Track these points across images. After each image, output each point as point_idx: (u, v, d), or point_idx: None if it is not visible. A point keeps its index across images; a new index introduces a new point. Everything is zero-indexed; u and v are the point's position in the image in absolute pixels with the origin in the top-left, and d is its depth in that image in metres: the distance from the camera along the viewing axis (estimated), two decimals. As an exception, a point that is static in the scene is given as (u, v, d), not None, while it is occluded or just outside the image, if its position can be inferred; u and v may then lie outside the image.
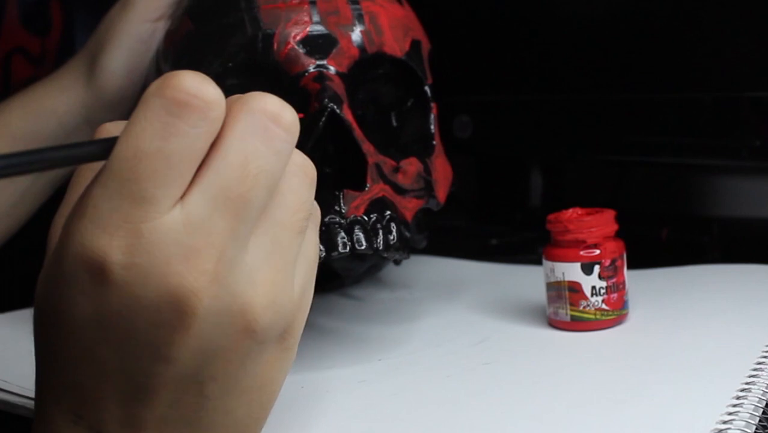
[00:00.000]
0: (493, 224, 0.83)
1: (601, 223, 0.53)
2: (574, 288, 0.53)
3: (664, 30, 0.71)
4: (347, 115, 0.50)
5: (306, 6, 0.53)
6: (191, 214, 0.32)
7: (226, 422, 0.35)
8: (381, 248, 0.49)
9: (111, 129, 0.35)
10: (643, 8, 0.72)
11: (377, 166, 0.51)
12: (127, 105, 0.61)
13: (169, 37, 0.57)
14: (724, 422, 0.39)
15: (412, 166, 0.54)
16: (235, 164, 0.32)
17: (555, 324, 0.54)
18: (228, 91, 0.49)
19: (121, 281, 0.31)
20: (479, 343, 0.53)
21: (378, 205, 0.50)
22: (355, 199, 0.49)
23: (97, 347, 0.32)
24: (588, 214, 0.54)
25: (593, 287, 0.52)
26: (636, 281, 0.56)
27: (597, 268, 0.52)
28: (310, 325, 0.52)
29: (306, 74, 0.51)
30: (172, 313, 0.32)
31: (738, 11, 0.68)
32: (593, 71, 0.75)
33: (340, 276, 0.63)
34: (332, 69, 0.52)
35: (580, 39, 0.76)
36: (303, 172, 0.35)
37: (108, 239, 0.31)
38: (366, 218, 0.49)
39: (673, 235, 0.73)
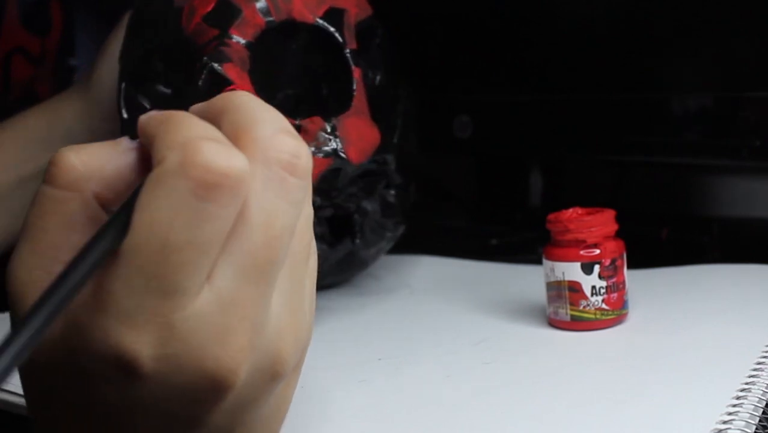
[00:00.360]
0: (493, 224, 0.83)
1: (601, 223, 0.53)
2: (574, 288, 0.53)
3: (664, 30, 0.71)
4: (230, 72, 0.52)
5: None
6: (222, 293, 0.29)
7: None
8: None
9: (69, 155, 0.31)
10: (643, 8, 0.72)
11: None
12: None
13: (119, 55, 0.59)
14: (724, 422, 0.39)
15: (314, 124, 0.54)
16: (259, 229, 0.30)
17: (555, 324, 0.54)
18: (154, 72, 0.50)
19: (154, 372, 0.29)
20: (479, 342, 0.53)
21: None
22: None
23: (126, 430, 0.31)
24: (588, 214, 0.54)
25: (593, 287, 0.52)
26: (636, 281, 0.56)
27: (597, 267, 0.52)
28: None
29: (208, 44, 0.53)
30: (210, 392, 0.30)
31: (738, 11, 0.68)
32: (593, 71, 0.75)
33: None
34: (234, 38, 0.53)
35: (580, 39, 0.76)
36: (307, 214, 0.33)
37: (137, 336, 0.29)
38: None
39: (673, 235, 0.73)
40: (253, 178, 0.29)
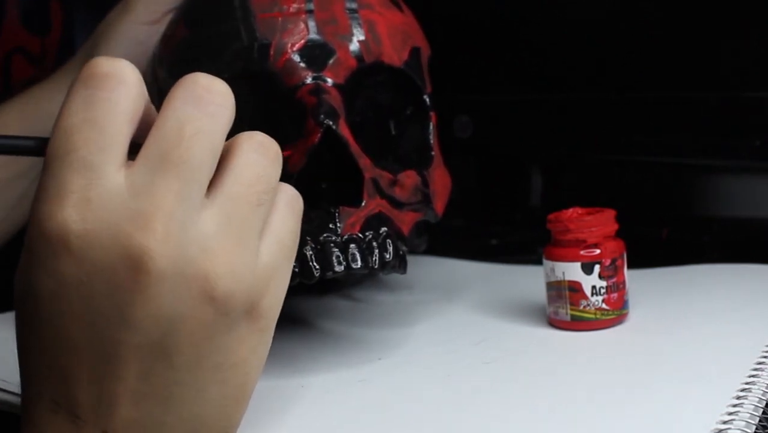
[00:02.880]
0: (493, 224, 0.83)
1: (601, 222, 0.53)
2: (575, 288, 0.53)
3: (664, 30, 0.71)
4: (343, 130, 0.50)
5: (303, 15, 0.52)
6: (135, 180, 0.33)
7: (200, 401, 0.35)
8: (377, 266, 0.49)
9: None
10: (643, 8, 0.72)
11: (374, 180, 0.51)
12: None
13: (165, 41, 0.57)
14: (724, 422, 0.39)
15: (409, 179, 0.53)
16: (172, 130, 0.34)
17: (555, 324, 0.54)
18: None
19: (77, 248, 0.33)
20: (479, 342, 0.53)
21: (374, 221, 0.50)
22: (351, 216, 0.49)
23: (62, 321, 0.33)
24: (588, 214, 0.54)
25: (593, 287, 0.52)
26: (636, 280, 0.56)
27: (597, 267, 0.52)
28: (309, 326, 0.52)
29: (303, 86, 0.51)
30: (127, 273, 0.33)
31: (738, 11, 0.68)
32: (593, 71, 0.75)
33: (339, 279, 0.63)
34: (329, 81, 0.51)
35: (580, 39, 0.76)
36: (262, 148, 0.36)
37: (59, 211, 0.33)
38: (362, 236, 0.49)
39: (673, 235, 0.73)
40: (171, 95, 0.35)
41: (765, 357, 0.46)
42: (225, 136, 0.36)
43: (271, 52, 0.51)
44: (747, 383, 0.43)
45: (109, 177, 0.33)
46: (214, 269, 0.34)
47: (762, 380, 0.43)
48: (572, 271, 0.53)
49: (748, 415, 0.40)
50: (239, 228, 0.35)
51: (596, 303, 0.53)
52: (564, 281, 0.53)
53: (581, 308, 0.53)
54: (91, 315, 0.33)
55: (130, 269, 0.33)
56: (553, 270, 0.53)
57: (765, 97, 0.66)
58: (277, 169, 0.37)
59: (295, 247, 0.38)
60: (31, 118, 0.62)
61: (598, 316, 0.53)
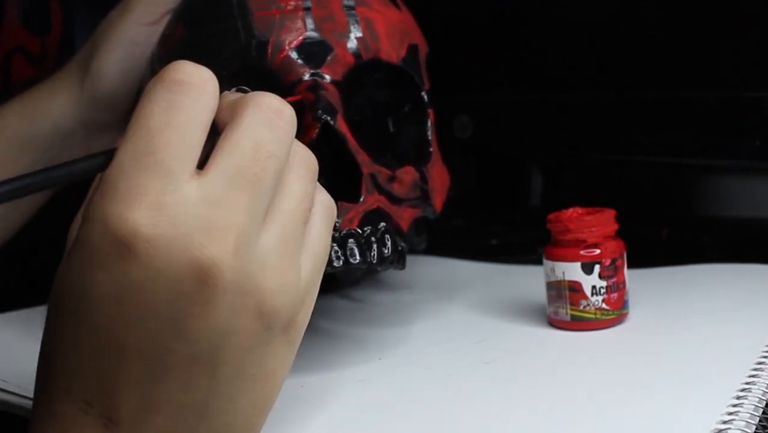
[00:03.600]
0: (493, 224, 0.83)
1: (601, 222, 0.53)
2: (575, 288, 0.53)
3: (664, 30, 0.71)
4: (341, 126, 0.50)
5: (300, 12, 0.52)
6: (210, 190, 0.33)
7: (232, 410, 0.35)
8: (375, 261, 0.49)
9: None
10: (643, 8, 0.72)
11: (372, 176, 0.51)
12: (121, 107, 0.61)
13: (163, 41, 0.57)
14: (724, 422, 0.39)
15: (408, 175, 0.53)
16: (248, 147, 0.34)
17: (555, 324, 0.54)
18: None
19: (145, 253, 0.32)
20: (479, 342, 0.53)
21: (373, 216, 0.50)
22: (350, 211, 0.49)
23: (115, 325, 0.33)
24: (588, 214, 0.54)
25: (593, 287, 0.52)
26: (636, 280, 0.56)
27: (597, 267, 0.52)
28: (309, 326, 0.52)
29: (300, 83, 0.51)
30: (194, 284, 0.33)
31: (738, 11, 0.68)
32: (593, 71, 0.75)
33: (338, 278, 0.63)
34: (327, 77, 0.51)
35: (580, 39, 0.76)
36: (306, 164, 0.37)
37: (131, 212, 0.32)
38: (360, 231, 0.49)
39: (673, 235, 0.73)
40: (245, 112, 0.35)
41: (765, 357, 0.46)
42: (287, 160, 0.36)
43: (269, 50, 0.51)
44: (747, 383, 0.43)
45: (184, 184, 0.33)
46: (268, 286, 0.34)
47: (762, 380, 0.43)
48: (572, 271, 0.53)
49: (748, 415, 0.40)
50: (290, 245, 0.36)
51: (596, 303, 0.53)
52: (564, 280, 0.53)
53: (581, 308, 0.53)
54: (147, 322, 0.33)
55: (198, 281, 0.33)
56: (553, 270, 0.53)
57: (765, 97, 0.66)
58: (315, 185, 0.38)
59: (326, 259, 0.39)
60: (30, 119, 0.62)
61: (598, 316, 0.53)
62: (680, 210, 0.78)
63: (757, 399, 0.41)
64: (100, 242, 0.32)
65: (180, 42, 0.55)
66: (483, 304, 0.60)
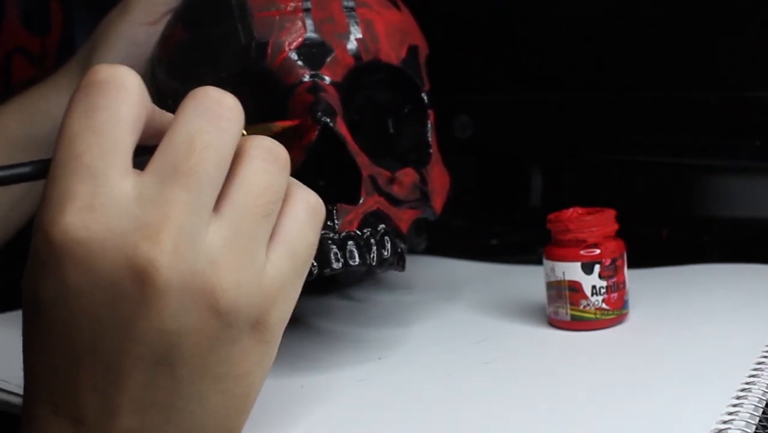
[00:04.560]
0: (493, 224, 0.83)
1: (601, 222, 0.53)
2: (575, 287, 0.53)
3: (664, 29, 0.71)
4: (341, 128, 0.50)
5: (300, 14, 0.52)
6: (143, 189, 0.33)
7: (201, 411, 0.35)
8: (374, 263, 0.49)
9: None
10: (643, 8, 0.72)
11: (371, 178, 0.51)
12: None
13: (163, 42, 0.57)
14: (724, 422, 0.39)
15: (407, 177, 0.53)
16: (182, 142, 0.34)
17: (555, 324, 0.54)
18: None
19: (80, 256, 0.32)
20: (479, 342, 0.53)
21: (372, 218, 0.50)
22: (349, 213, 0.49)
23: (65, 329, 0.33)
24: (588, 214, 0.54)
25: (593, 287, 0.52)
26: (636, 280, 0.56)
27: (597, 267, 0.52)
28: (309, 326, 0.52)
29: (300, 84, 0.51)
30: (132, 285, 0.32)
31: (738, 11, 0.68)
32: (593, 71, 0.75)
33: (338, 279, 0.63)
34: (327, 79, 0.51)
35: (580, 39, 0.76)
36: (271, 156, 0.36)
37: (62, 217, 0.32)
38: (359, 233, 0.49)
39: (673, 235, 0.73)
40: (181, 108, 0.35)
41: (765, 357, 0.46)
42: (234, 150, 0.35)
43: (269, 51, 0.51)
44: (747, 383, 0.43)
45: (114, 184, 0.33)
46: (220, 283, 0.34)
47: (762, 380, 0.43)
48: (572, 271, 0.53)
49: (748, 415, 0.40)
50: (246, 240, 0.35)
51: (596, 303, 0.53)
52: (564, 280, 0.53)
53: (581, 307, 0.53)
54: (94, 324, 0.33)
55: (135, 281, 0.32)
56: (553, 270, 0.53)
57: (765, 97, 0.66)
58: (286, 177, 0.37)
59: (310, 259, 0.38)
60: (30, 119, 0.62)
61: (598, 316, 0.53)
62: (680, 210, 0.78)
63: (757, 399, 0.41)
64: (41, 249, 0.33)
65: (180, 43, 0.55)
66: (483, 304, 0.60)
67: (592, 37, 0.75)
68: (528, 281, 0.62)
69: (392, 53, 0.54)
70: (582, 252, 0.53)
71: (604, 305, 0.53)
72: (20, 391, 0.47)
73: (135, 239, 0.32)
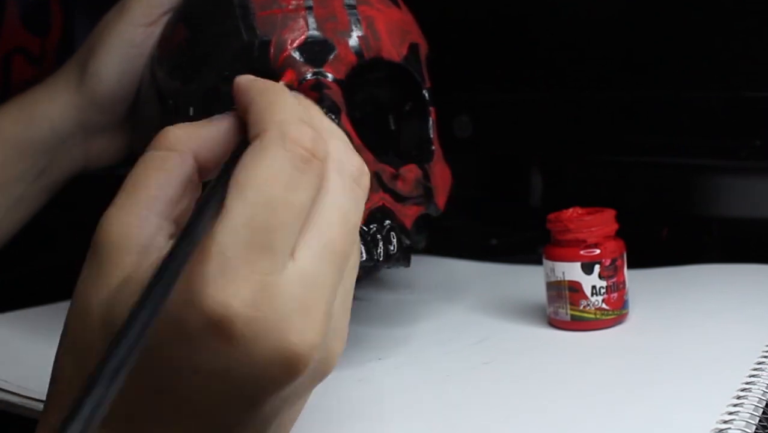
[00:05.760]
0: (493, 224, 0.83)
1: (601, 222, 0.53)
2: (575, 288, 0.53)
3: (665, 30, 0.71)
4: (345, 124, 0.50)
5: (302, 12, 0.52)
6: (304, 269, 0.32)
7: None
8: (381, 259, 0.49)
9: (171, 127, 0.34)
10: (643, 8, 0.72)
11: (376, 174, 0.51)
12: (119, 109, 0.61)
13: (164, 43, 0.57)
14: (725, 422, 0.39)
15: (411, 173, 0.53)
16: (338, 221, 0.33)
17: (555, 324, 0.54)
18: (225, 100, 0.48)
19: (241, 336, 0.30)
20: (479, 342, 0.53)
21: (377, 214, 0.50)
22: None
23: (194, 394, 0.32)
24: (588, 214, 0.54)
25: (593, 287, 0.52)
26: (636, 280, 0.56)
27: (597, 267, 0.52)
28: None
29: (303, 82, 0.51)
30: (283, 369, 0.31)
31: (738, 11, 0.68)
32: (594, 70, 0.75)
33: None
34: (330, 76, 0.51)
35: (580, 38, 0.76)
36: (360, 201, 0.36)
37: (235, 290, 0.30)
38: (366, 229, 0.49)
39: (673, 235, 0.73)
40: (331, 181, 0.33)
41: (765, 357, 0.46)
42: None
43: (272, 50, 0.51)
44: (747, 383, 0.43)
45: (286, 264, 0.31)
46: (335, 350, 0.34)
47: (762, 380, 0.43)
48: (572, 271, 0.53)
49: (748, 415, 0.40)
50: (348, 301, 0.35)
51: (596, 303, 0.53)
52: (564, 280, 0.53)
53: (581, 307, 0.53)
54: (227, 396, 0.32)
55: (288, 366, 0.31)
56: (553, 270, 0.53)
57: (765, 97, 0.66)
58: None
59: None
60: (27, 122, 0.62)
61: (598, 316, 0.53)
62: (680, 210, 0.78)
63: (757, 399, 0.41)
64: (199, 315, 0.30)
65: (182, 43, 0.55)
66: (483, 304, 0.60)
67: (593, 37, 0.75)
68: (528, 281, 0.62)
69: (394, 50, 0.54)
70: (582, 252, 0.53)
71: (604, 305, 0.53)
72: (20, 391, 0.47)
73: (298, 325, 0.31)
